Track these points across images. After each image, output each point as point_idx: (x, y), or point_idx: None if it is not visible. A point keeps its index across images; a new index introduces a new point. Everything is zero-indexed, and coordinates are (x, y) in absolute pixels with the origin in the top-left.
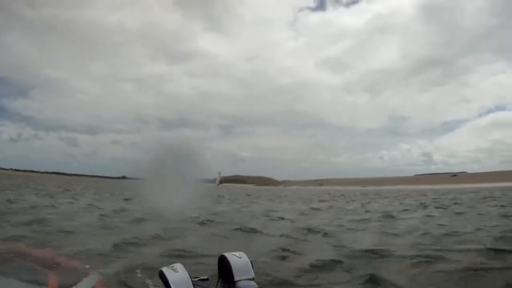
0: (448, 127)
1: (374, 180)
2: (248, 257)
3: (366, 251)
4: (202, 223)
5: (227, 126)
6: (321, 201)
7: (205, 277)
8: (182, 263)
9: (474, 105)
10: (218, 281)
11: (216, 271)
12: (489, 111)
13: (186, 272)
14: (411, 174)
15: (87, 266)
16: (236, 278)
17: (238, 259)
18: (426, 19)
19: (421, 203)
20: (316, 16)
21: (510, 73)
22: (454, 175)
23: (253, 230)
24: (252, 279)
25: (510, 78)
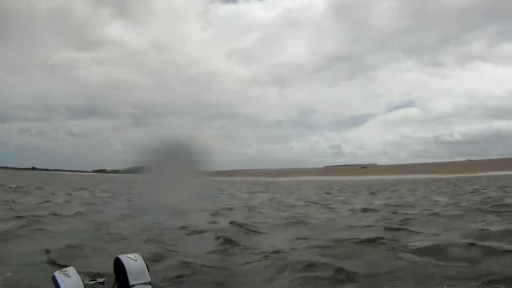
0: (357, 120)
1: (284, 171)
2: (144, 260)
3: None
4: None
5: (137, 116)
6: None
7: (101, 280)
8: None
9: (383, 100)
10: (114, 285)
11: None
12: (398, 107)
13: (79, 276)
14: (321, 166)
15: None
16: (131, 282)
17: (133, 262)
18: (337, 16)
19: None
20: (228, 8)
21: (418, 71)
22: (363, 167)
23: None
24: (149, 283)
25: (418, 76)
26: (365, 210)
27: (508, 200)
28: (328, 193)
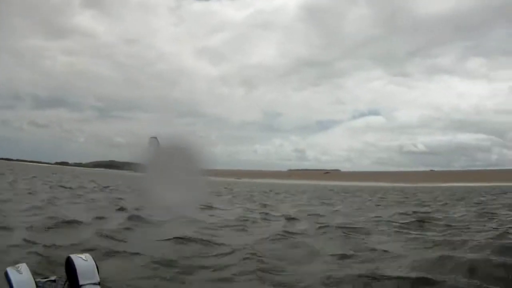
0: (322, 126)
1: (248, 173)
2: (94, 260)
3: None
4: None
5: (103, 109)
6: None
7: (53, 279)
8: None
9: (349, 107)
10: (65, 284)
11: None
12: (363, 115)
13: (30, 274)
14: (284, 169)
15: None
16: (81, 282)
17: (83, 262)
18: (308, 20)
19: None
20: (200, 5)
21: (385, 81)
22: (326, 172)
23: None
24: (98, 283)
25: (385, 85)
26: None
27: (436, 215)
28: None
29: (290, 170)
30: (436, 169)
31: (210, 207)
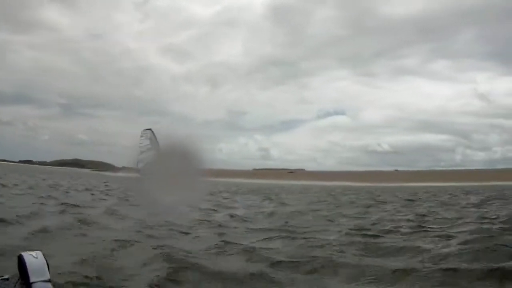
0: (287, 125)
1: (213, 172)
2: (45, 257)
3: None
4: None
5: (67, 106)
6: None
7: (6, 277)
8: None
9: (314, 107)
10: (17, 282)
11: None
12: (328, 114)
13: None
14: (249, 168)
15: None
16: (32, 279)
17: (34, 259)
18: (275, 19)
19: None
20: (166, 1)
21: (351, 81)
22: (291, 171)
23: None
24: (49, 280)
25: (351, 85)
26: None
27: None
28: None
29: (255, 169)
30: (400, 168)
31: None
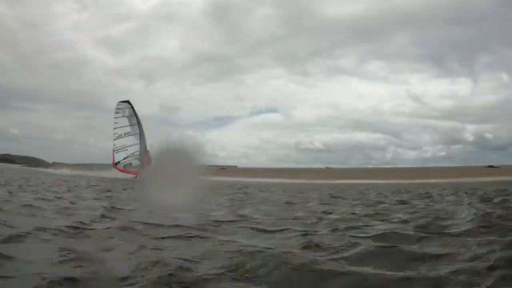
0: (221, 122)
1: None
2: None
3: None
4: None
5: (0, 99)
6: None
7: None
8: None
9: (248, 104)
10: None
11: None
12: (262, 112)
13: None
14: None
15: None
16: None
17: None
18: (213, 15)
19: None
20: None
21: (286, 79)
22: (223, 168)
23: None
24: None
25: (286, 84)
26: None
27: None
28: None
29: None
30: (332, 166)
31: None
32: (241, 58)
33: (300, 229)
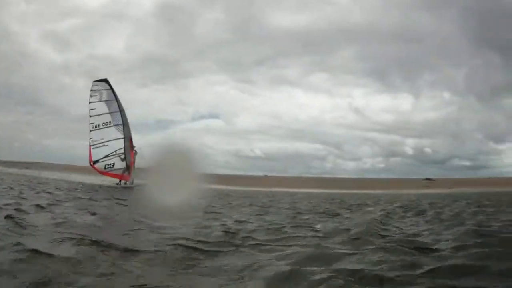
0: (162, 125)
1: (82, 168)
2: None
3: None
4: None
5: None
6: None
7: None
8: None
9: (190, 109)
10: None
11: None
12: (203, 117)
13: None
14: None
15: None
16: None
17: None
18: (161, 16)
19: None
20: None
21: (229, 86)
22: None
23: None
24: None
25: (229, 90)
26: None
27: None
28: None
29: None
30: (271, 174)
31: None
32: (186, 61)
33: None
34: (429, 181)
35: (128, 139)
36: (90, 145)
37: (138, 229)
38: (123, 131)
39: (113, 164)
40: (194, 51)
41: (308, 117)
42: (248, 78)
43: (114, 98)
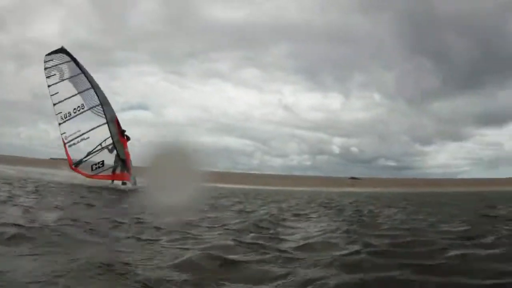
0: None
1: (6, 159)
2: None
3: None
4: None
5: None
6: None
7: None
8: None
9: (120, 99)
10: None
11: None
12: (132, 107)
13: None
14: (47, 157)
15: None
16: None
17: None
18: (98, 3)
19: None
20: None
21: (159, 77)
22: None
23: None
24: None
25: (159, 82)
26: None
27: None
28: None
29: (52, 158)
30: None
31: None
32: (119, 50)
33: None
34: (354, 180)
35: (113, 122)
36: (64, 143)
37: None
38: (104, 113)
39: (103, 162)
40: (127, 40)
41: (237, 112)
42: (179, 70)
43: (80, 71)
